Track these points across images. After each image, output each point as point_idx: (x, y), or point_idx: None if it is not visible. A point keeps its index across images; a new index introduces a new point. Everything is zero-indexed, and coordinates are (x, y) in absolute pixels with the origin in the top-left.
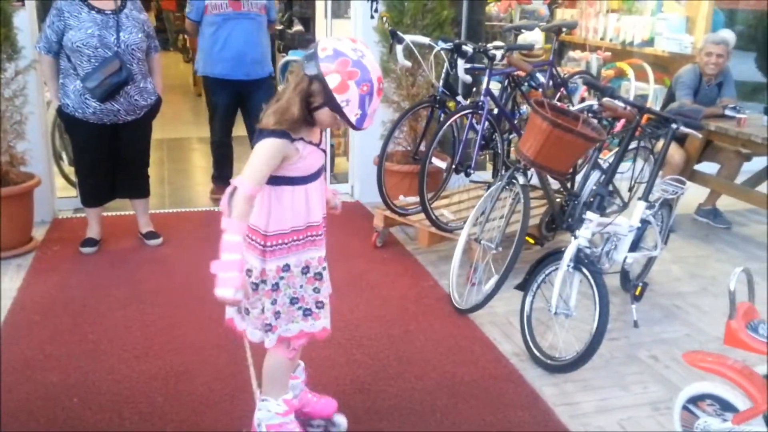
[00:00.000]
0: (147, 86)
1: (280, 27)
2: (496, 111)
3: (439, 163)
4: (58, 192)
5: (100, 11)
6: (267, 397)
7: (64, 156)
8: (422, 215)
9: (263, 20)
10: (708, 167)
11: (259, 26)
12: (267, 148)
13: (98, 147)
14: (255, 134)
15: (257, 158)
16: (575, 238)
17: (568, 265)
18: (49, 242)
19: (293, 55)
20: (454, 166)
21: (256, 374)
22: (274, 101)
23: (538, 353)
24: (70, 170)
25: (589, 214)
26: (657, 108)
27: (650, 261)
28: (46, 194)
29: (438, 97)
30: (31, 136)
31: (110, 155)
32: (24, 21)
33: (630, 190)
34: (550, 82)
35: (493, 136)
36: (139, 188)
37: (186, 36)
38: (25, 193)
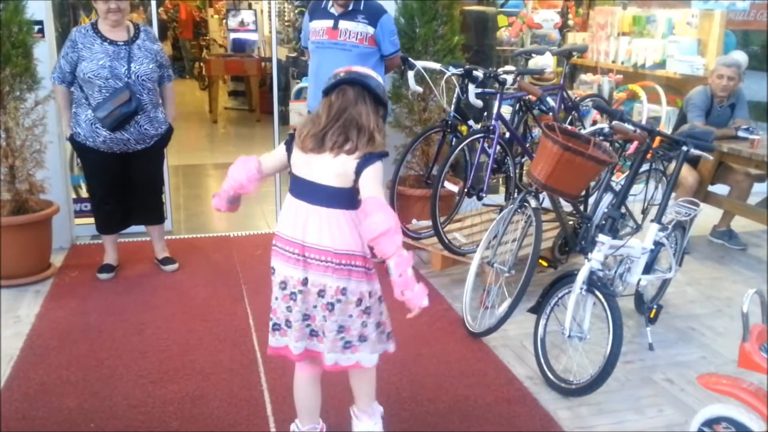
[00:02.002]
0: (158, 116)
1: (293, 54)
2: (507, 135)
3: (452, 187)
4: (75, 219)
5: (112, 42)
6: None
7: (82, 184)
8: (435, 239)
9: (364, 52)
10: (722, 189)
11: (355, 59)
12: (380, 169)
13: (109, 175)
14: (364, 159)
15: (380, 179)
16: (588, 260)
17: (581, 288)
18: (67, 268)
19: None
20: (466, 190)
21: (271, 398)
22: (357, 125)
23: (552, 376)
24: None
25: (601, 237)
26: (669, 130)
27: (665, 283)
28: (64, 221)
29: (449, 122)
30: (50, 164)
31: (123, 183)
32: (44, 52)
33: (643, 212)
34: (561, 106)
35: (505, 160)
36: (153, 215)
37: (202, 64)
38: (43, 220)
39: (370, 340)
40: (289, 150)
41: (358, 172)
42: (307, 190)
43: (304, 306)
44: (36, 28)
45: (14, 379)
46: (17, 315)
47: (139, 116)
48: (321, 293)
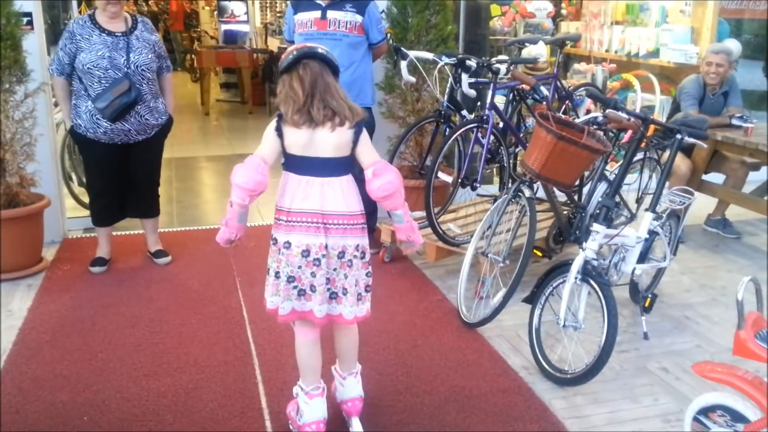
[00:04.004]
0: (158, 106)
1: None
2: (501, 125)
3: (446, 178)
4: (67, 212)
5: (110, 33)
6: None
7: (73, 177)
8: (429, 230)
9: (354, 42)
10: (716, 177)
11: (346, 48)
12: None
13: (109, 166)
14: (356, 129)
15: (370, 142)
16: (582, 250)
17: (576, 278)
18: (59, 262)
19: None
20: (460, 180)
21: (265, 391)
22: (332, 96)
23: (547, 366)
24: (80, 191)
25: (596, 226)
26: (663, 119)
27: (659, 272)
28: (55, 215)
29: (443, 112)
30: (41, 157)
31: (122, 175)
32: (33, 44)
33: (637, 201)
34: (555, 95)
35: (499, 150)
36: (149, 208)
37: (193, 56)
38: (35, 213)
39: (370, 288)
40: (280, 134)
41: (355, 141)
42: (313, 165)
43: (327, 270)
44: (25, 20)
45: (7, 373)
46: (9, 309)
47: (139, 106)
48: (341, 254)
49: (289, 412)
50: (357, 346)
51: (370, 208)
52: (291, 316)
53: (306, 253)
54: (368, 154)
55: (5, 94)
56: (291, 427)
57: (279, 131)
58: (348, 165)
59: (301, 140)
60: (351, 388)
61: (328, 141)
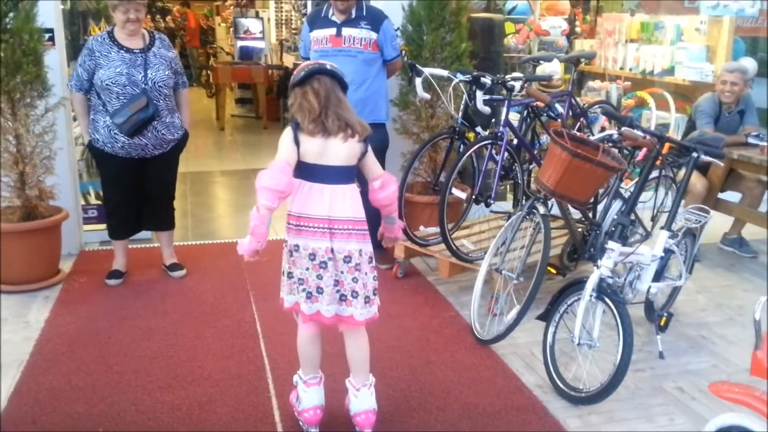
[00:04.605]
0: (174, 121)
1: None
2: (515, 141)
3: (459, 194)
4: (84, 225)
5: (128, 50)
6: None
7: (90, 190)
8: (443, 246)
9: (368, 58)
10: (732, 196)
11: (360, 65)
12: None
13: (126, 180)
14: (365, 142)
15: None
16: (597, 267)
17: (591, 295)
18: (75, 274)
19: None
20: (474, 197)
21: (278, 405)
22: (344, 109)
23: (561, 384)
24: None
25: (611, 244)
26: (678, 137)
27: (675, 291)
28: (73, 227)
29: (457, 129)
30: (60, 170)
31: (138, 188)
32: (54, 60)
33: (652, 219)
34: (570, 112)
35: (513, 167)
36: (164, 221)
37: (209, 72)
38: (53, 226)
39: (377, 291)
40: (297, 142)
41: (364, 153)
42: (325, 174)
43: (334, 272)
44: (46, 35)
45: (24, 384)
46: (27, 320)
47: (156, 122)
48: (347, 259)
49: (291, 399)
50: (368, 355)
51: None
52: (294, 307)
53: (312, 256)
54: (375, 166)
55: (26, 109)
56: (294, 412)
57: (296, 140)
58: (354, 174)
59: (315, 149)
60: (364, 400)
61: (339, 150)
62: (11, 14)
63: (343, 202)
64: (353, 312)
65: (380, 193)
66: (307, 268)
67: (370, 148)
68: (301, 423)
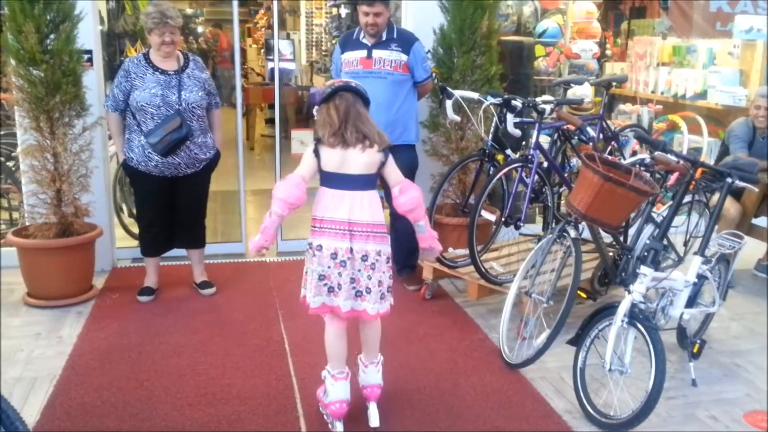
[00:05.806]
0: (207, 141)
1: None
2: (545, 164)
3: (489, 216)
4: (117, 242)
5: (163, 72)
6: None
7: (124, 208)
8: (471, 267)
9: (399, 80)
10: (767, 221)
11: (390, 86)
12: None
13: (160, 198)
14: (385, 151)
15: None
16: (629, 293)
17: (623, 321)
18: (108, 290)
19: None
20: (503, 219)
21: (306, 424)
22: (364, 122)
23: (592, 411)
24: (129, 221)
25: (643, 269)
26: (711, 161)
27: (708, 317)
28: (106, 244)
29: (487, 151)
30: (95, 188)
31: (170, 207)
32: (92, 80)
33: (685, 244)
34: (601, 136)
35: (543, 189)
36: (196, 239)
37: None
38: (88, 243)
39: (391, 288)
40: (317, 155)
41: (384, 162)
42: (346, 181)
43: (352, 270)
44: (85, 57)
45: (56, 399)
46: (60, 335)
47: (189, 141)
48: (364, 258)
49: (318, 394)
50: (379, 338)
51: (412, 246)
52: (321, 309)
53: (334, 255)
54: (395, 173)
55: (65, 128)
56: (320, 406)
57: (316, 152)
58: (373, 182)
59: (335, 159)
60: (372, 375)
61: (358, 160)
62: (52, 36)
63: (362, 207)
64: (366, 306)
65: (401, 198)
66: (329, 266)
67: (390, 158)
68: (326, 416)
